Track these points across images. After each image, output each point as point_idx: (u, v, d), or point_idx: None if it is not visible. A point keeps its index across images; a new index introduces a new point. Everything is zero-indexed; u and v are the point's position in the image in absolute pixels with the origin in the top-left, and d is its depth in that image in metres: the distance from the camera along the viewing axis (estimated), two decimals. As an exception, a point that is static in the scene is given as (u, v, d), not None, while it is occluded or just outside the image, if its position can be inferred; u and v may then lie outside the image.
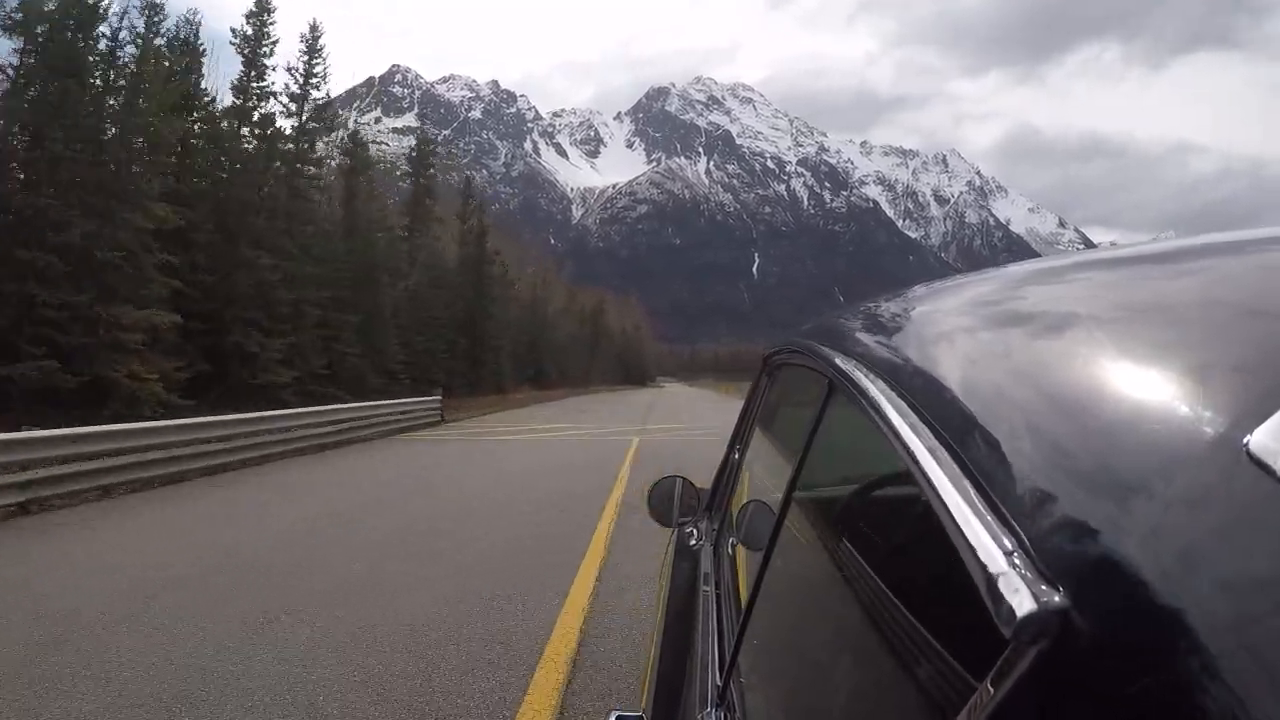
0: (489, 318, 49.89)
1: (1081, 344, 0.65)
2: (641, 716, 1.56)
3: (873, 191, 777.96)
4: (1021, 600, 0.43)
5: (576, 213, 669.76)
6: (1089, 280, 0.88)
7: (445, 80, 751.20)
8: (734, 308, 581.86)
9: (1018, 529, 0.49)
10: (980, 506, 0.53)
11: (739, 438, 2.38)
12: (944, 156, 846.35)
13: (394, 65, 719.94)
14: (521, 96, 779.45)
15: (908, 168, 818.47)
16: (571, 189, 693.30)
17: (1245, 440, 0.42)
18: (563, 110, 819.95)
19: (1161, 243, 0.89)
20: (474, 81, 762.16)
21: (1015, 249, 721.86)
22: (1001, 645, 0.45)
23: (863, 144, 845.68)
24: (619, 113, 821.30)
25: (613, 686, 4.01)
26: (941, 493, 0.57)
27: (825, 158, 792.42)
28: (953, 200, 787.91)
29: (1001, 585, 0.45)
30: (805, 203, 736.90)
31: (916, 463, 0.64)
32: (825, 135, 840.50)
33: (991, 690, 0.46)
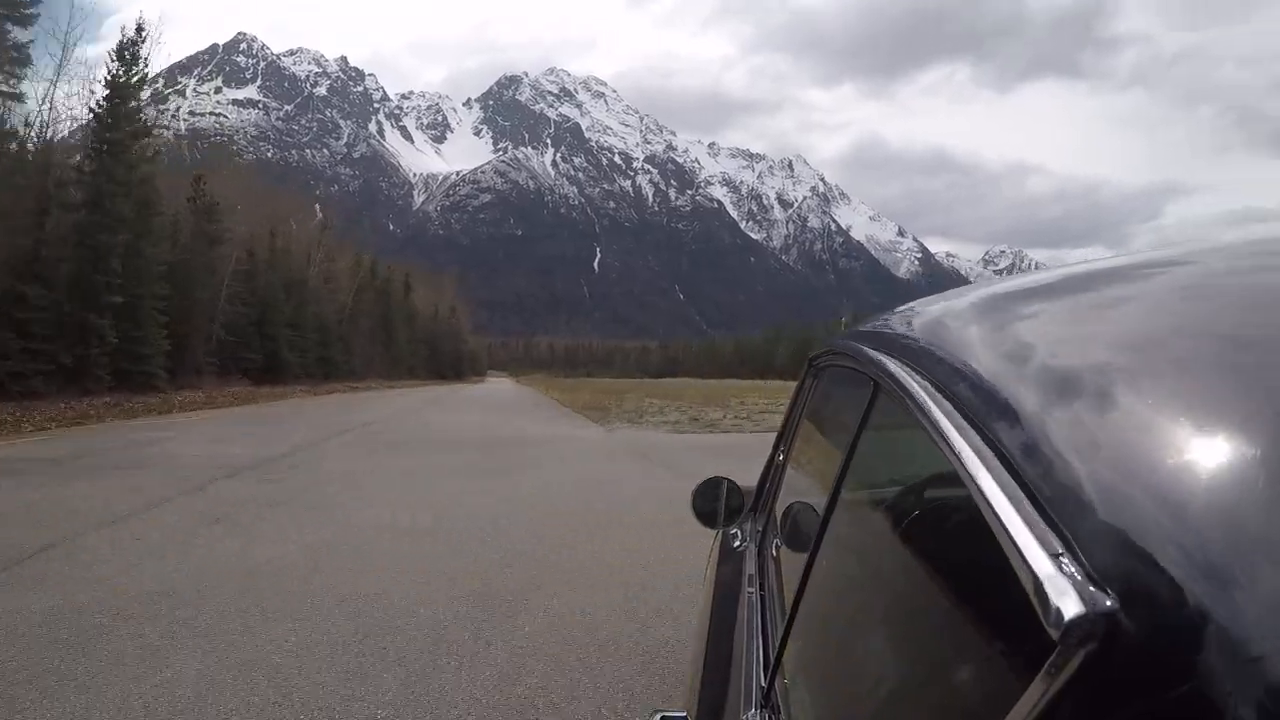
0: (138, 256, 28.76)
1: (1131, 349, 0.67)
2: (685, 716, 1.60)
3: (718, 192, 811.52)
4: (1069, 603, 0.44)
5: (418, 199, 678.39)
6: (1138, 285, 0.90)
7: (292, 53, 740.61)
8: (575, 302, 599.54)
9: (1065, 531, 0.50)
10: (1027, 509, 0.54)
11: (784, 439, 2.42)
12: (790, 162, 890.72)
13: (240, 33, 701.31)
14: (370, 75, 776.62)
15: (754, 170, 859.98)
16: (415, 174, 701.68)
17: None
18: (411, 92, 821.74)
19: (1209, 244, 0.92)
20: (322, 56, 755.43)
21: (854, 254, 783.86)
22: (1049, 647, 0.45)
23: (711, 145, 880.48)
24: (469, 99, 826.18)
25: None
26: (988, 495, 0.58)
27: (673, 156, 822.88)
28: (796, 204, 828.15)
29: (1049, 588, 0.46)
30: (650, 200, 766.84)
31: (963, 465, 0.65)
32: (674, 134, 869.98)
33: (1038, 692, 0.47)
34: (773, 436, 2.31)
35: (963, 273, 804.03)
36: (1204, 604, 0.40)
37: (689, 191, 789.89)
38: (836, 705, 1.05)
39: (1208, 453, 0.48)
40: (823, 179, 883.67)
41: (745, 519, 2.65)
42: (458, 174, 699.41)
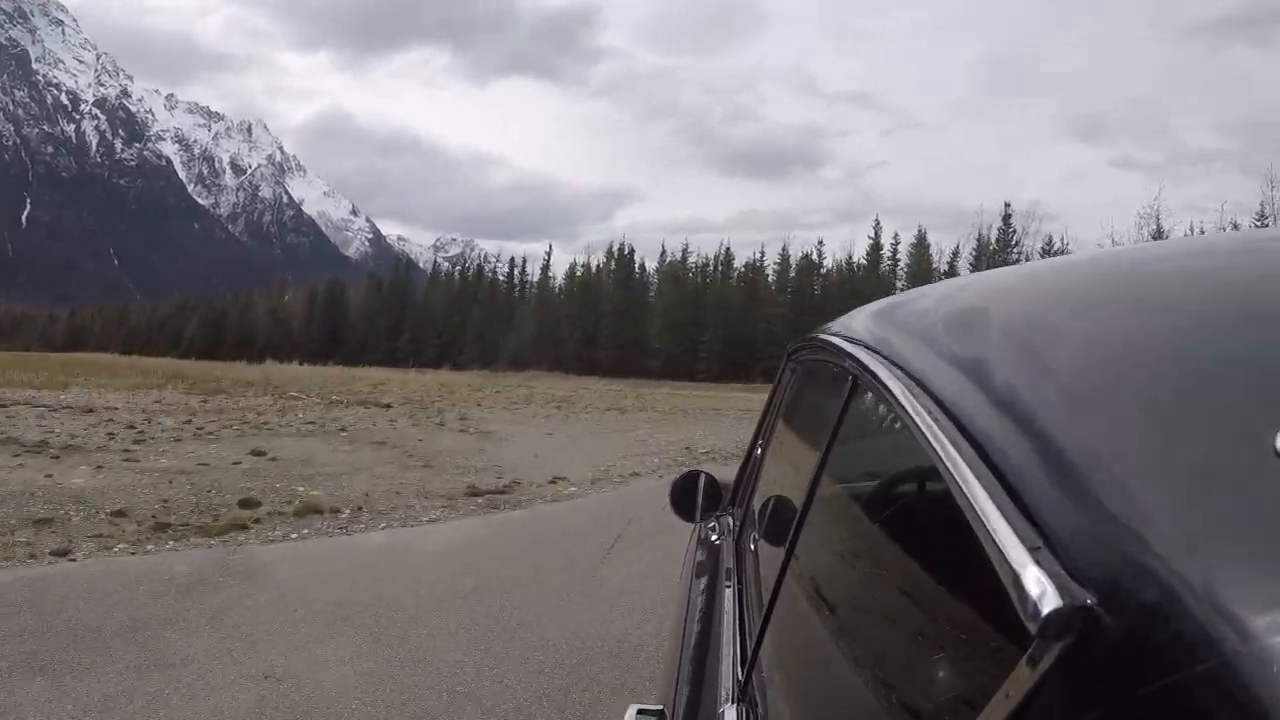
0: None
1: (1108, 342, 0.72)
2: (663, 711, 1.68)
3: (169, 149, 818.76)
4: (1047, 597, 0.48)
5: None
6: (1116, 278, 0.97)
7: None
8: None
9: (1044, 526, 0.54)
10: (1006, 503, 0.58)
11: (761, 432, 2.59)
12: (250, 126, 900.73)
13: None
14: None
15: (210, 131, 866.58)
16: None
17: (1274, 439, 0.46)
18: None
19: (1185, 241, 1.05)
20: None
21: (304, 229, 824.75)
22: (1026, 641, 0.49)
23: (169, 96, 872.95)
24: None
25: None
26: (966, 489, 0.62)
27: (126, 103, 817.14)
28: (249, 172, 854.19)
29: (1027, 582, 0.49)
30: (94, 149, 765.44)
31: (941, 459, 0.70)
32: (132, 79, 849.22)
33: (1016, 685, 0.50)
34: None
35: (413, 256, 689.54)
36: (1181, 599, 0.43)
37: (137, 145, 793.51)
38: (814, 699, 1.12)
39: (1186, 449, 0.53)
40: (281, 148, 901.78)
41: (724, 513, 2.81)
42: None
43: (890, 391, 0.92)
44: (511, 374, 60.19)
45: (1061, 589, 0.48)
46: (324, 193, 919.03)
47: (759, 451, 2.51)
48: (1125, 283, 0.91)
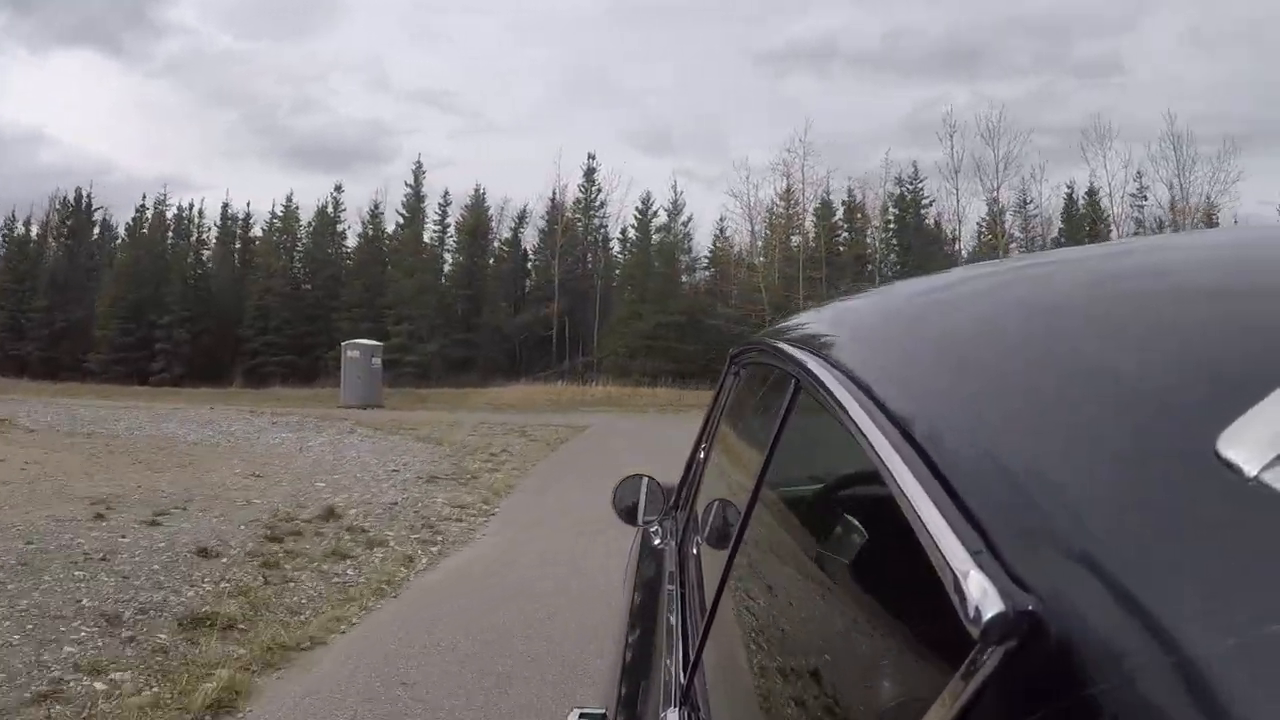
0: None
1: (1048, 344, 0.74)
2: (605, 714, 1.71)
3: None
4: (989, 601, 0.48)
5: None
6: (1056, 280, 0.99)
7: None
8: None
9: (986, 530, 0.54)
10: (948, 507, 0.58)
11: (705, 435, 2.57)
12: None
13: None
14: None
15: None
16: None
17: (1214, 441, 0.46)
18: None
19: (1128, 241, 1.61)
20: None
21: None
22: (968, 645, 0.49)
23: None
24: None
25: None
26: (908, 492, 0.63)
27: None
28: None
29: (969, 585, 0.50)
30: None
31: (883, 462, 0.69)
32: None
33: (958, 690, 0.50)
34: None
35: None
36: (1123, 603, 0.43)
37: None
38: (756, 702, 1.13)
39: (1131, 452, 0.54)
40: None
41: (666, 516, 2.82)
42: None
43: (832, 394, 0.93)
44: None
45: (1004, 593, 0.48)
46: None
47: (702, 454, 2.53)
48: (1066, 285, 0.94)
